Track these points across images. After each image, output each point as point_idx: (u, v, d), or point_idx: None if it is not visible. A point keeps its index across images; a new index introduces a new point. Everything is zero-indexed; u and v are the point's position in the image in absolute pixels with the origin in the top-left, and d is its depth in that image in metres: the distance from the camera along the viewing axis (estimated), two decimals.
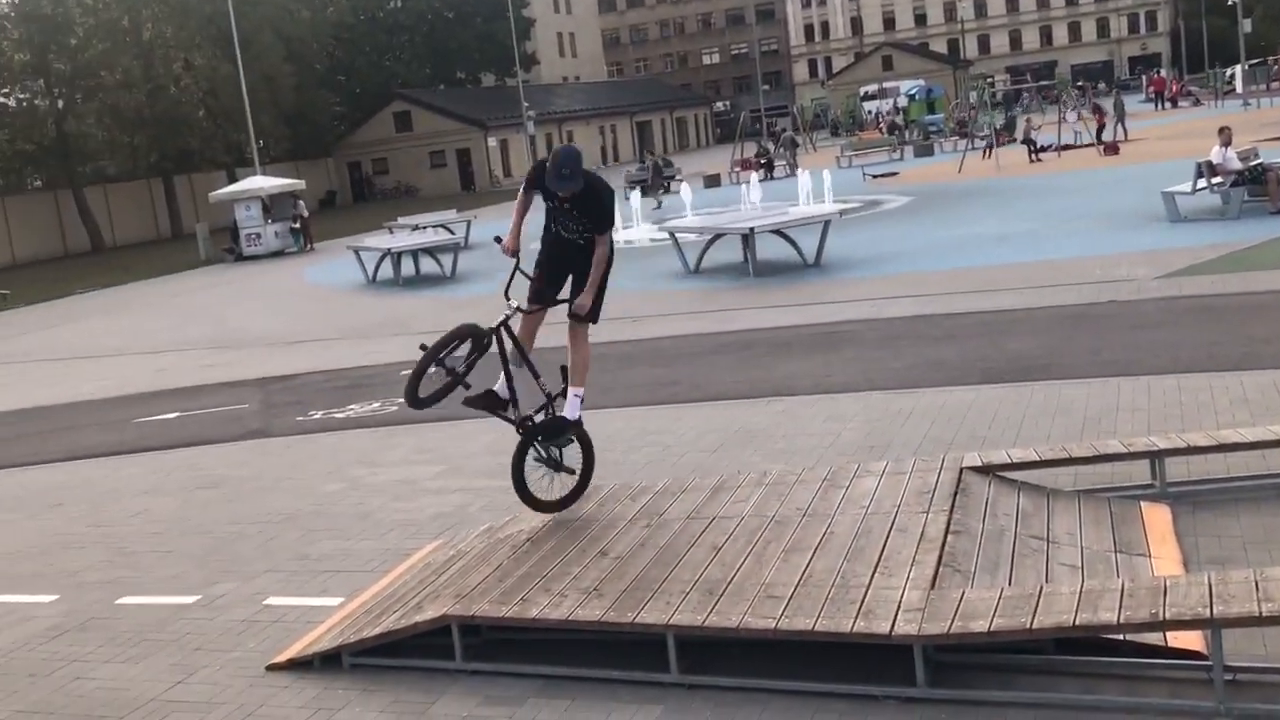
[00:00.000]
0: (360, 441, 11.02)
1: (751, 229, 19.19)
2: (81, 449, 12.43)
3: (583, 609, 5.56)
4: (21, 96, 54.93)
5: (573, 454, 6.93)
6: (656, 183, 36.93)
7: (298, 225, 38.57)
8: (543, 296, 6.67)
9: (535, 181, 6.55)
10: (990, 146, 37.32)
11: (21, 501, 10.45)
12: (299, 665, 6.07)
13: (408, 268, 25.36)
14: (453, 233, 29.46)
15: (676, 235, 21.20)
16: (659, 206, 29.73)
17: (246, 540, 8.42)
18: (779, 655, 5.30)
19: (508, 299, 6.62)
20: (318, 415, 12.67)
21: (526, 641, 5.80)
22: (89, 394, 16.06)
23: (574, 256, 6.59)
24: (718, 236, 20.33)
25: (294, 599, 7.07)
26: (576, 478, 6.95)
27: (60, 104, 54.30)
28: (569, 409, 6.74)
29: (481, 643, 5.89)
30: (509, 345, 6.65)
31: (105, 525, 9.31)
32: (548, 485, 6.88)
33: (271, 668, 6.12)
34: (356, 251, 27.16)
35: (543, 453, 6.86)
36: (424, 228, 30.88)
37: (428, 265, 25.68)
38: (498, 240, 6.59)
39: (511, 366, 6.69)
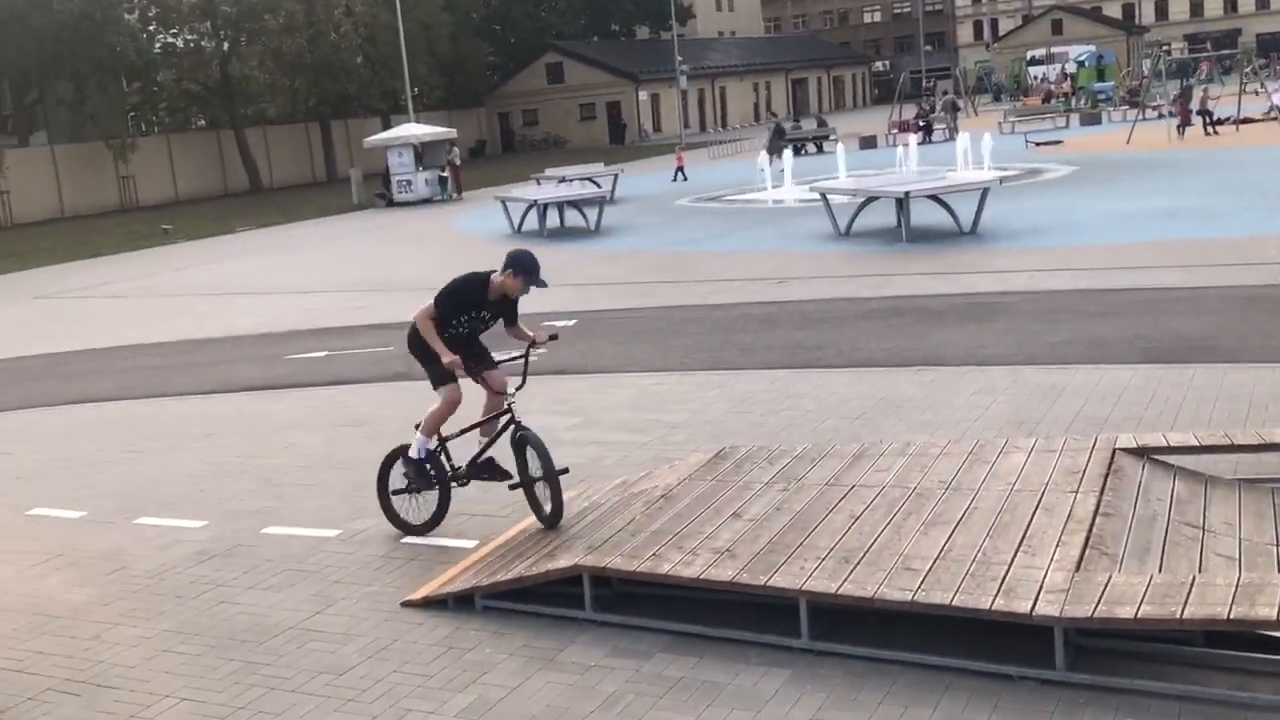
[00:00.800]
0: None
1: (907, 193, 18.74)
2: (236, 382, 12.85)
3: (715, 569, 5.52)
4: (189, 38, 56.95)
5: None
6: (776, 145, 36.04)
7: (446, 173, 39.09)
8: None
9: (455, 308, 6.86)
10: (1183, 125, 34.05)
11: (178, 430, 10.86)
12: (433, 604, 6.19)
13: (553, 220, 25.53)
14: (599, 186, 29.60)
15: (828, 197, 20.88)
16: (780, 168, 29.09)
17: None
18: (912, 628, 5.19)
19: (507, 394, 7.07)
20: None
21: (656, 597, 5.79)
22: (244, 329, 16.60)
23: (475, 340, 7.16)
24: (871, 199, 19.95)
25: (430, 539, 7.20)
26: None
27: (225, 46, 56.02)
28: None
29: (611, 595, 5.91)
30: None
31: (255, 456, 9.61)
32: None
33: (406, 604, 6.25)
34: (503, 202, 27.44)
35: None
36: (571, 180, 31.01)
37: (573, 218, 25.81)
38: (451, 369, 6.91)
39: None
